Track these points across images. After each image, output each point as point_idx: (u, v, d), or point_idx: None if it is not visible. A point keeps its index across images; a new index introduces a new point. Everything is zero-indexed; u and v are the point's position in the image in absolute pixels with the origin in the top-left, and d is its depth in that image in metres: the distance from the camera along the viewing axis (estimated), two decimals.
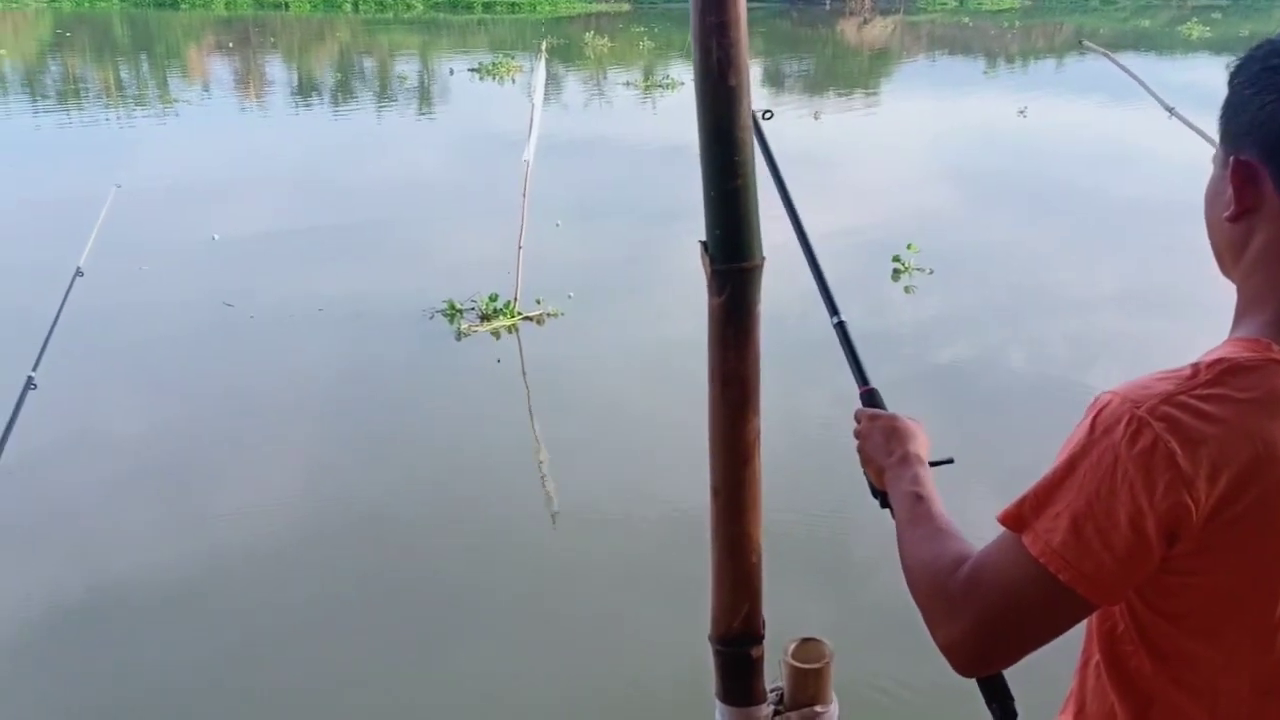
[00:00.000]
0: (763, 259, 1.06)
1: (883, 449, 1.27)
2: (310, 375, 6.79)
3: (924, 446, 1.28)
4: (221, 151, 14.54)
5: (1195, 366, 1.00)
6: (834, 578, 4.57)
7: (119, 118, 17.34)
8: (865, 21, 41.06)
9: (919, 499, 1.16)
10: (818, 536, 4.79)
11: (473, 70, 22.87)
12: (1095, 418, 1.00)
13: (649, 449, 5.69)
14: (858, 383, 1.46)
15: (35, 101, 19.48)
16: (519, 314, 7.55)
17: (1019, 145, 15.15)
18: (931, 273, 8.65)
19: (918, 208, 11.05)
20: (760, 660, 1.20)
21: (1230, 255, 1.08)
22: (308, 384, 6.66)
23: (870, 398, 1.42)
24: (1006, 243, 10.07)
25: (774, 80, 24.26)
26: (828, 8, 46.94)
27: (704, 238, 1.07)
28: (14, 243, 9.35)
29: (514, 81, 21.40)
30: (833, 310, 1.58)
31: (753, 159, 1.05)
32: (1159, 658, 1.05)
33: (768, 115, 1.51)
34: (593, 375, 6.80)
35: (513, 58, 23.60)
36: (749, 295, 1.07)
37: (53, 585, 4.46)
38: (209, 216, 10.22)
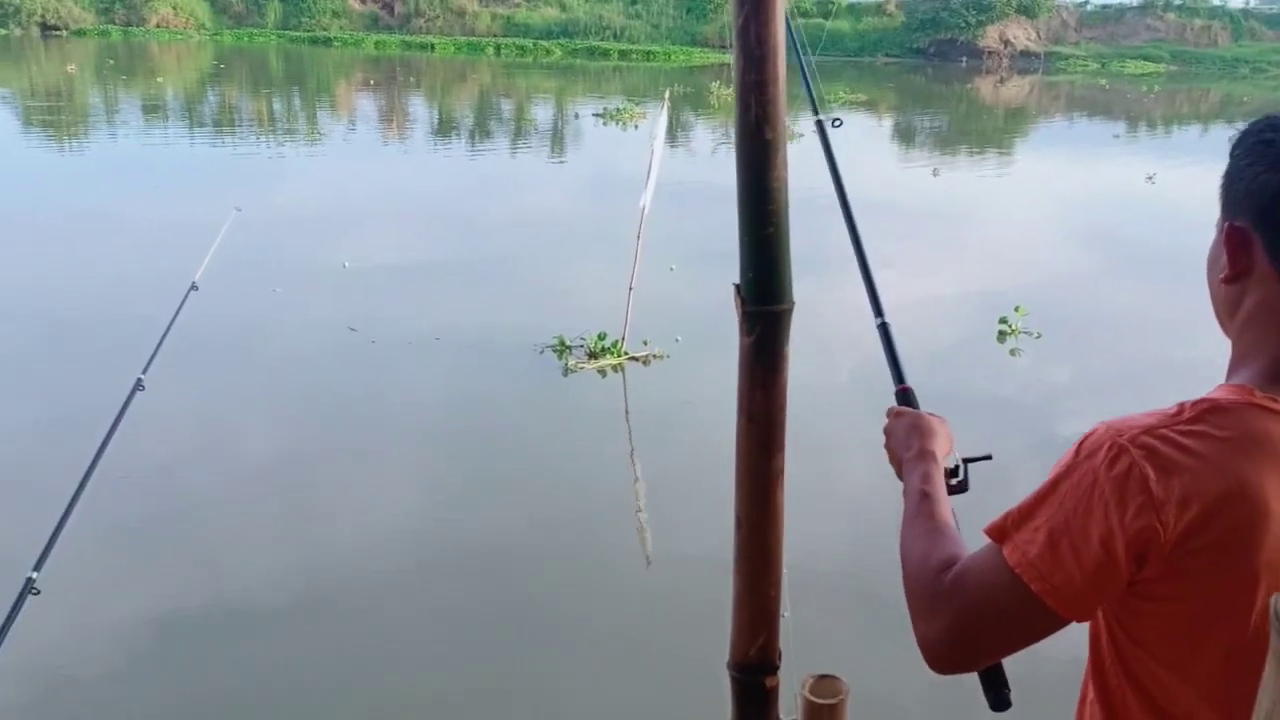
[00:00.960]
0: (792, 303, 1.12)
1: (903, 443, 1.33)
2: (424, 401, 7.02)
3: (944, 443, 1.35)
4: (362, 183, 15.20)
5: (1181, 405, 1.06)
6: (859, 616, 4.56)
7: (269, 146, 18.27)
8: (1002, 80, 40.49)
9: (925, 496, 1.22)
10: (847, 574, 4.78)
11: (597, 115, 23.40)
12: (1081, 444, 1.08)
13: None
14: (894, 381, 1.53)
15: (191, 128, 20.69)
16: (625, 354, 7.67)
17: (1143, 211, 14.74)
18: (1039, 336, 8.48)
19: (1031, 269, 10.84)
20: (775, 690, 1.24)
21: (1226, 314, 1.14)
22: (421, 409, 6.88)
23: (904, 396, 1.50)
24: (1119, 310, 9.79)
25: (904, 135, 24.09)
26: (964, 65, 46.43)
27: (737, 280, 1.14)
28: (150, 260, 9.93)
29: (636, 127, 21.79)
30: (878, 312, 1.65)
31: (786, 208, 1.11)
32: (1140, 691, 1.09)
33: (837, 123, 1.60)
34: (694, 418, 6.85)
35: (636, 104, 24.04)
36: (778, 337, 1.12)
37: (177, 587, 4.70)
38: (344, 243, 10.69)
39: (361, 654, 4.29)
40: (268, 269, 9.45)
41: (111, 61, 32.83)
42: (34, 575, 1.71)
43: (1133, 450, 1.02)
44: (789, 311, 1.12)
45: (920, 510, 1.20)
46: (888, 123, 25.31)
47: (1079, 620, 1.08)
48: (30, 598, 1.69)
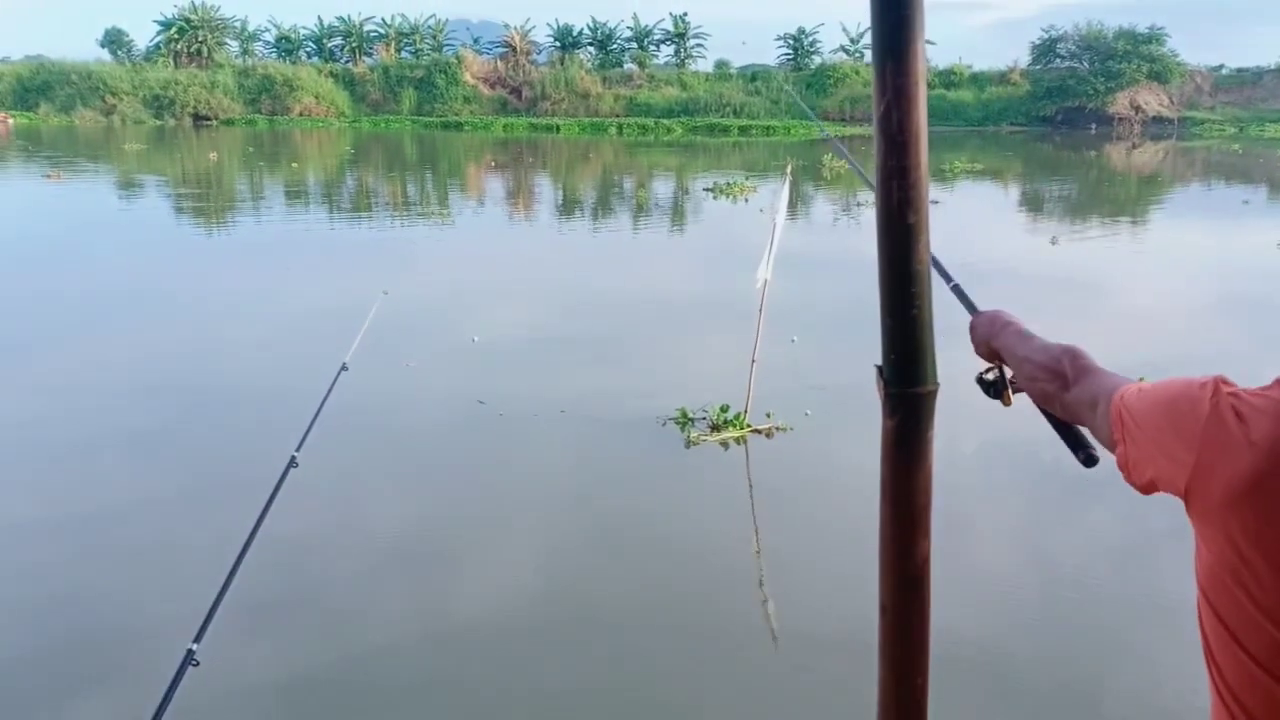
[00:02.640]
0: (936, 385, 1.10)
1: (989, 328, 1.58)
2: (549, 472, 7.10)
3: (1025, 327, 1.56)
4: (489, 260, 15.67)
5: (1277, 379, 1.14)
6: (1000, 707, 4.38)
7: (402, 227, 19.01)
8: (1134, 146, 39.43)
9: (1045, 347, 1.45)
10: (988, 662, 4.60)
11: (707, 190, 23.71)
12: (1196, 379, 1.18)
13: (871, 575, 5.54)
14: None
15: (331, 211, 21.69)
16: (748, 426, 7.64)
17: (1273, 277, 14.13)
18: None
19: (1162, 340, 10.43)
20: None
21: None
22: (546, 480, 6.96)
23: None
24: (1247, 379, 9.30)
25: (1032, 203, 23.62)
26: (1093, 132, 45.44)
27: (879, 362, 1.13)
28: (299, 340, 10.37)
29: (746, 200, 21.98)
30: (947, 278, 1.82)
31: (929, 291, 1.11)
32: (1226, 686, 1.12)
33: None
34: (819, 493, 6.75)
35: (746, 179, 24.25)
36: (922, 420, 1.11)
37: (317, 657, 4.82)
38: (472, 319, 11.00)
39: None
40: (402, 345, 9.77)
41: (251, 149, 34.70)
42: (194, 647, 1.78)
43: (1224, 391, 1.14)
44: (933, 394, 1.11)
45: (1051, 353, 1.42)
46: (1014, 191, 24.87)
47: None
48: (190, 669, 1.76)
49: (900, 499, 1.14)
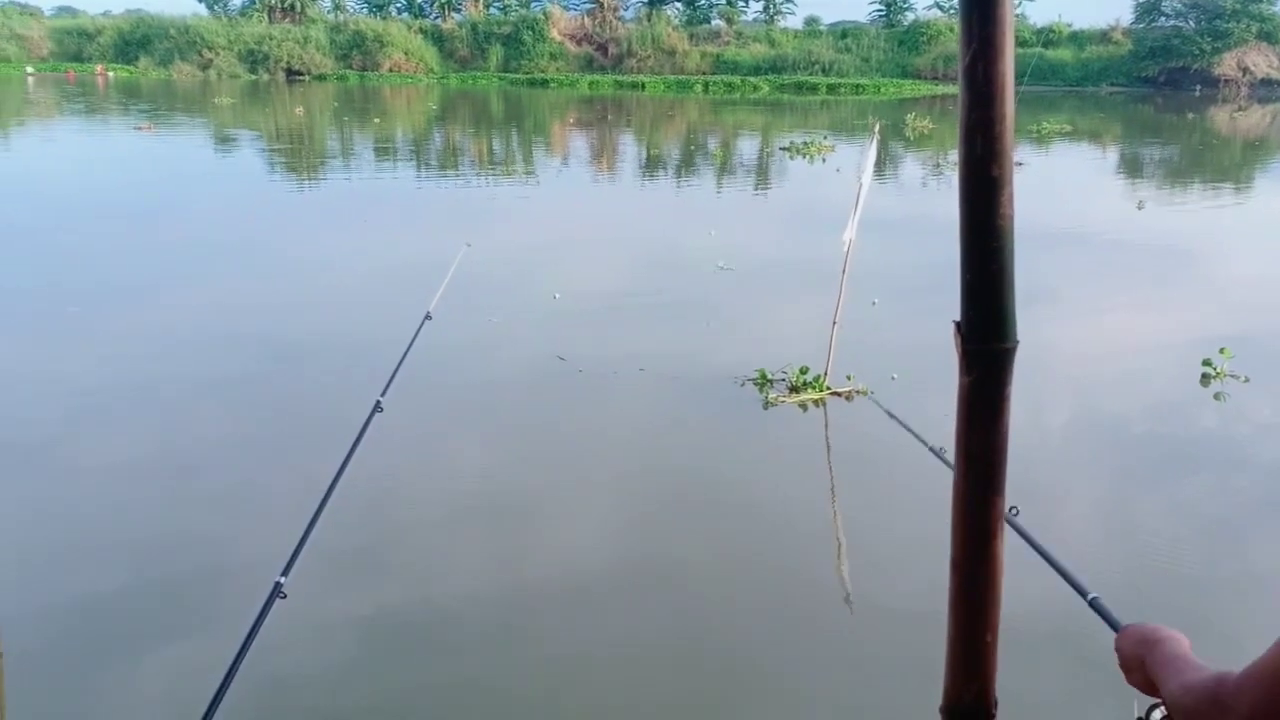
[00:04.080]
0: (1016, 342, 1.09)
1: (1136, 648, 1.30)
2: (626, 429, 7.15)
3: (1183, 645, 1.25)
4: (573, 217, 15.74)
5: None
6: (1071, 675, 4.30)
7: (489, 183, 19.16)
8: (1240, 109, 37.83)
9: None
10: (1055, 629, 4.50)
11: (784, 149, 23.40)
12: None
13: (940, 546, 5.48)
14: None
15: (419, 166, 21.94)
16: (828, 388, 7.59)
17: None
18: (1247, 380, 7.85)
19: (1244, 309, 10.04)
20: None
21: None
22: (623, 437, 7.01)
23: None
24: None
25: (1127, 166, 22.86)
26: (1198, 94, 43.71)
27: (958, 318, 1.12)
28: (386, 291, 10.55)
29: (823, 160, 21.64)
30: (1083, 592, 1.88)
31: (1011, 246, 1.09)
32: None
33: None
34: (897, 458, 6.67)
35: (825, 138, 23.87)
36: (1000, 377, 1.10)
37: (396, 597, 4.96)
38: (554, 276, 11.08)
39: (554, 673, 4.40)
40: (486, 299, 9.89)
41: (337, 104, 35.14)
42: (281, 580, 1.85)
43: None
44: (1012, 351, 1.09)
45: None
46: (1112, 155, 24.08)
47: None
48: (278, 600, 1.83)
49: (975, 455, 1.13)
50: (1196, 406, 7.60)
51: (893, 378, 7.83)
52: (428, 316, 3.13)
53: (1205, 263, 12.62)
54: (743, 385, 7.81)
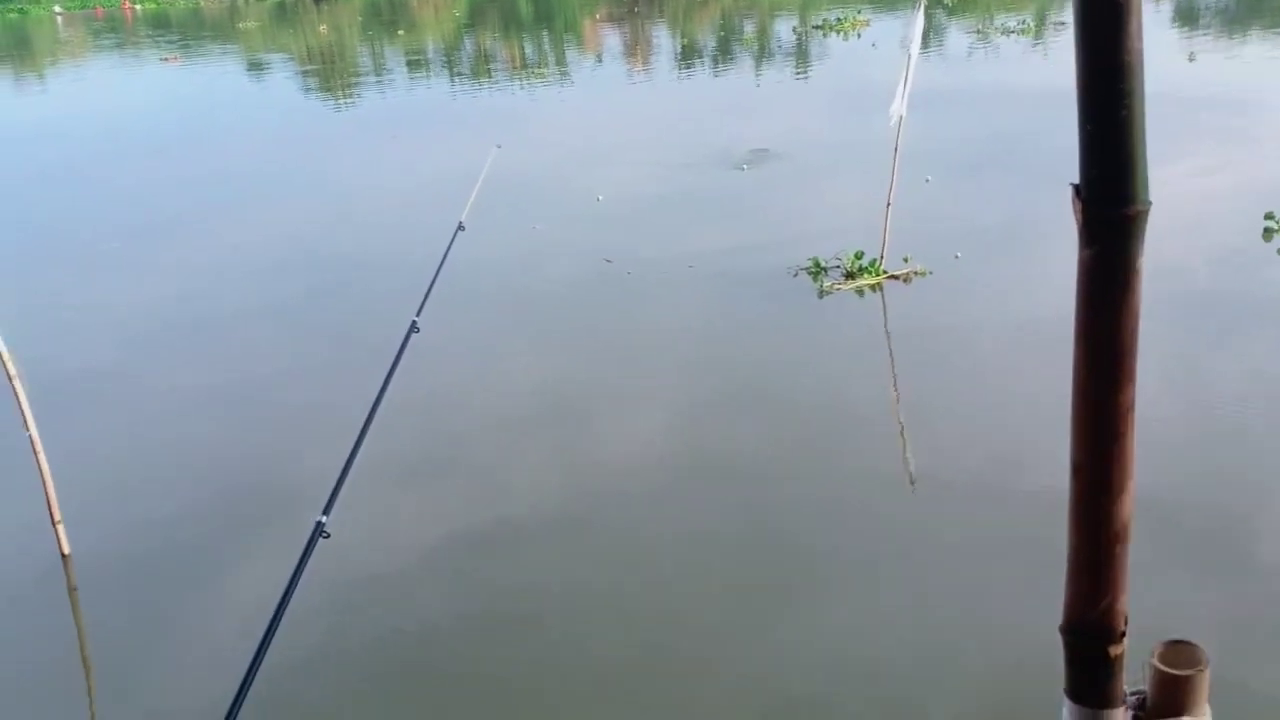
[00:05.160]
0: (1148, 204, 0.92)
1: None
2: (679, 328, 7.01)
3: None
4: (610, 116, 15.36)
5: None
6: (1218, 574, 4.09)
7: (520, 88, 18.75)
8: None
9: None
10: (1200, 524, 4.33)
11: (816, 27, 22.57)
12: None
13: (1018, 420, 5.35)
14: None
15: (451, 75, 21.54)
16: (884, 272, 7.35)
17: None
18: None
19: None
20: (1119, 660, 1.06)
21: None
22: (677, 336, 6.88)
23: None
24: None
25: (1185, 17, 21.80)
26: None
27: (1076, 180, 0.95)
28: (422, 205, 10.40)
29: (859, 36, 20.84)
30: None
31: (1141, 87, 0.91)
32: None
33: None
34: (960, 339, 6.48)
35: (859, 12, 22.94)
36: (1129, 247, 0.93)
37: (458, 507, 4.99)
38: (595, 178, 10.82)
39: (620, 570, 4.41)
40: (527, 206, 9.70)
41: (360, 19, 34.60)
42: (323, 519, 1.75)
43: None
44: (1144, 215, 0.92)
45: None
46: (1166, 4, 22.92)
47: None
48: (321, 540, 1.74)
49: (1100, 341, 0.96)
50: (1260, 262, 7.26)
51: (956, 256, 7.57)
52: (460, 227, 2.99)
53: (1262, 113, 11.97)
54: (796, 275, 7.60)
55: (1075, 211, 0.94)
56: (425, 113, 16.63)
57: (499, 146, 3.69)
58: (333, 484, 1.85)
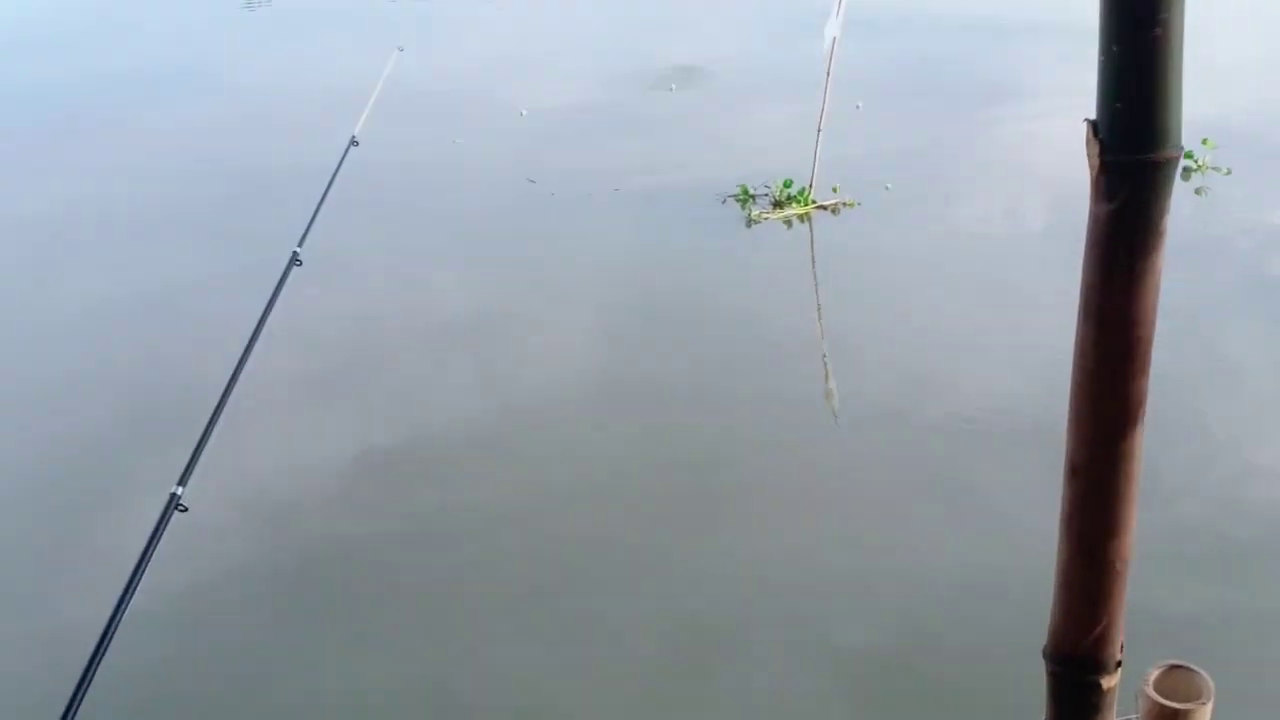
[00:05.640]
0: (1179, 150, 0.73)
1: None
2: (603, 254, 6.81)
3: None
4: (532, 27, 14.74)
5: None
6: (1217, 586, 3.74)
7: None
8: None
9: None
10: (1195, 524, 4.05)
11: None
12: None
13: (940, 352, 5.33)
14: None
15: None
16: (813, 202, 7.18)
17: None
18: (1229, 173, 7.42)
19: (1225, 93, 9.46)
20: (1112, 692, 0.91)
21: None
22: (602, 261, 6.70)
23: None
24: None
25: None
26: None
27: (1093, 115, 0.76)
28: (315, 114, 9.88)
29: None
30: None
31: (1181, 7, 0.71)
32: None
33: None
34: (886, 272, 6.38)
35: None
36: (1155, 202, 0.74)
37: (378, 429, 4.92)
38: (518, 91, 10.36)
39: (538, 495, 4.37)
40: (446, 119, 9.29)
41: None
42: (179, 490, 1.52)
43: None
44: (1174, 163, 0.74)
45: None
46: None
47: None
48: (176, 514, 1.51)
49: (1113, 318, 0.79)
50: (1176, 200, 7.23)
51: (886, 187, 7.41)
52: (353, 142, 2.71)
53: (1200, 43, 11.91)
54: (724, 202, 7.40)
55: (1090, 156, 0.76)
56: (330, 14, 15.75)
57: (401, 49, 3.39)
58: (192, 448, 1.62)
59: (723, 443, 4.69)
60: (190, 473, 1.61)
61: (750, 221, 7.11)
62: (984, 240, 6.68)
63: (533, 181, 7.94)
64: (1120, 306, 0.78)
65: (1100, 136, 0.74)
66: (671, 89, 10.42)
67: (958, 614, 3.59)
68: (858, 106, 8.96)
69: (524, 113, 9.60)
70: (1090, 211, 0.75)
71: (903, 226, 7.02)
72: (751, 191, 7.39)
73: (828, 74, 7.04)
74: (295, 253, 2.17)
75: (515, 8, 15.94)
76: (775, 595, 3.77)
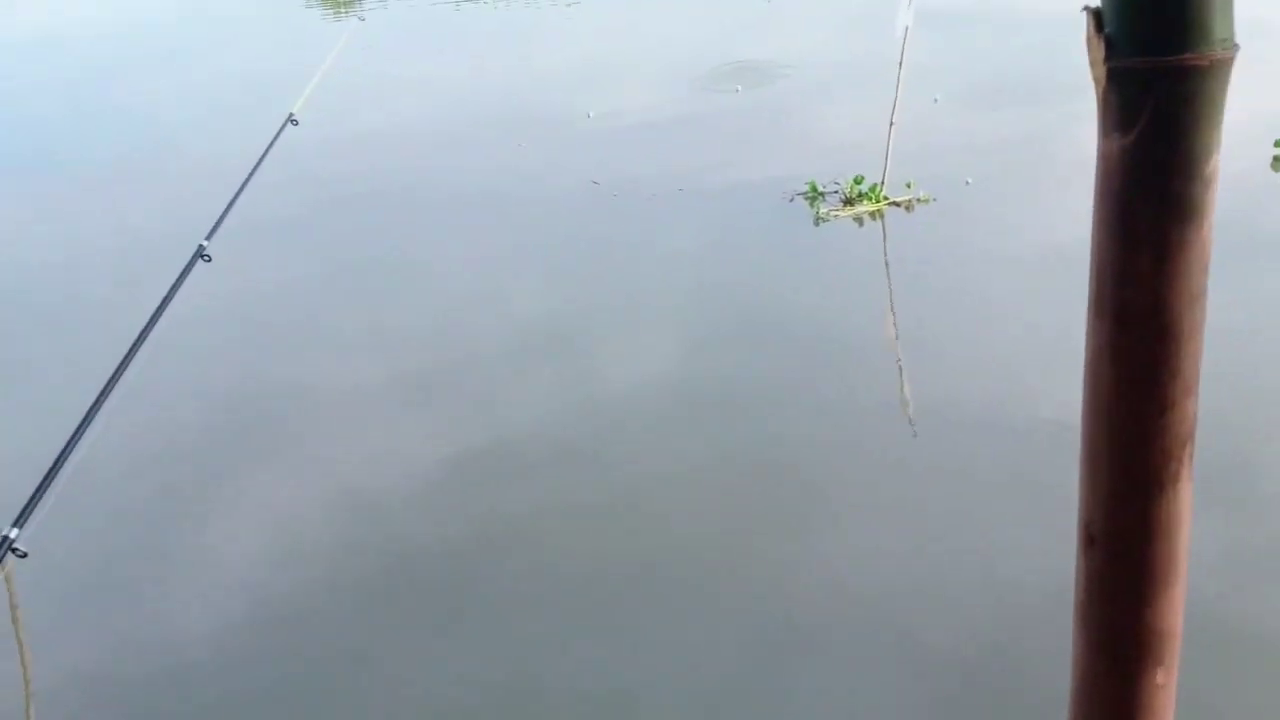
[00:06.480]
0: (1231, 46, 0.46)
1: None
2: (670, 254, 6.62)
3: None
4: (591, 25, 14.55)
5: None
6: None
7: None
8: None
9: None
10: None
11: None
12: None
13: (1024, 355, 5.02)
14: None
15: None
16: (885, 199, 6.84)
17: None
18: None
19: None
20: None
21: None
22: (667, 262, 6.53)
23: None
24: None
25: None
26: None
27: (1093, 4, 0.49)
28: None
29: None
30: None
31: None
32: None
33: None
34: (964, 271, 6.05)
35: None
36: (1194, 131, 0.47)
37: (458, 432, 4.96)
38: (587, 94, 10.20)
39: (616, 496, 4.39)
40: (510, 122, 9.21)
41: None
42: (13, 534, 1.32)
43: None
44: (1224, 68, 0.47)
45: None
46: None
47: None
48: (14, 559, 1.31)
49: (1137, 314, 0.51)
50: (1267, 193, 6.70)
51: (966, 182, 7.03)
52: (291, 120, 2.50)
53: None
54: (791, 200, 7.12)
55: (1092, 61, 0.49)
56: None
57: (362, 19, 3.20)
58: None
59: (796, 445, 4.63)
60: None
61: (819, 219, 6.82)
62: (1071, 239, 6.26)
63: (597, 183, 7.77)
64: (1149, 294, 0.50)
65: (1106, 31, 0.48)
66: (738, 90, 10.12)
67: (1041, 620, 3.39)
68: (935, 100, 8.59)
69: (590, 115, 9.43)
70: (1098, 150, 0.48)
71: (983, 223, 6.67)
72: (820, 189, 7.09)
73: (900, 65, 6.71)
74: (202, 245, 1.98)
75: (578, 14, 15.78)
76: (854, 598, 3.73)
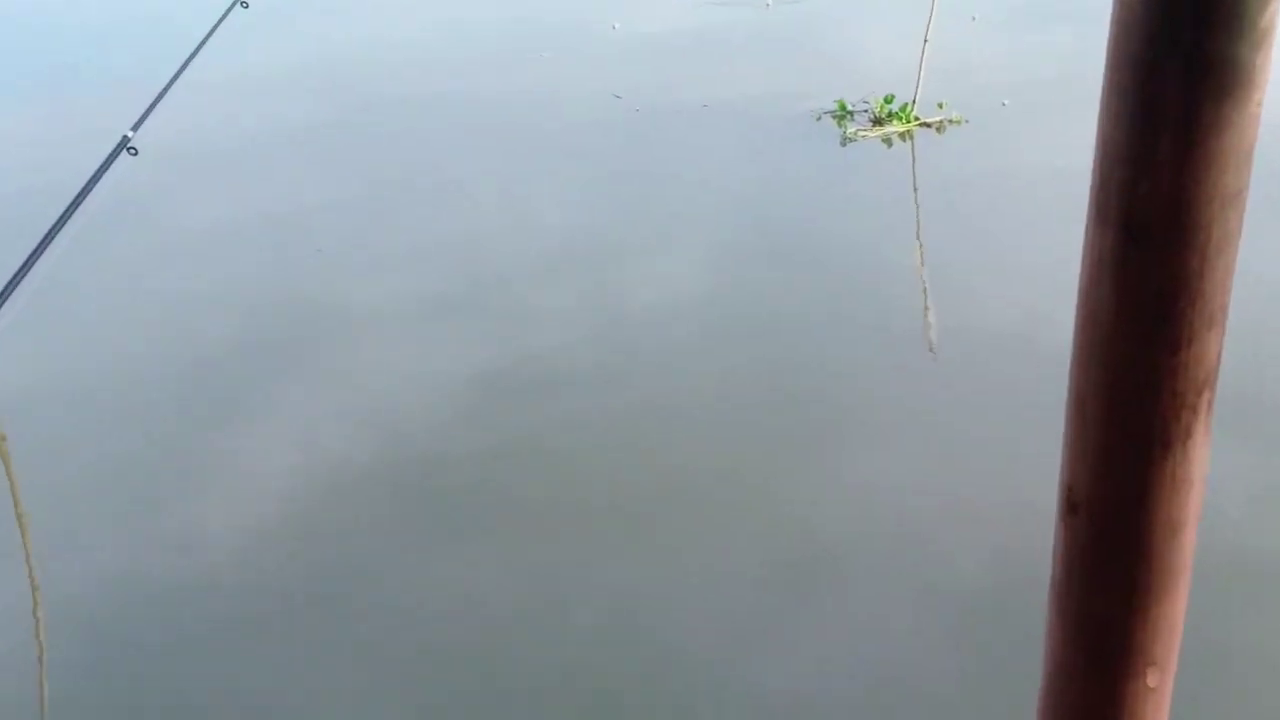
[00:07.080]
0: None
1: None
2: (693, 172, 6.45)
3: None
4: None
5: None
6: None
7: None
8: None
9: None
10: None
11: None
12: None
13: (1051, 281, 4.84)
14: None
15: None
16: (916, 119, 6.61)
17: None
18: None
19: None
20: None
21: None
22: (691, 181, 6.36)
23: None
24: None
25: None
26: None
27: None
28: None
29: None
30: None
31: None
32: None
33: None
34: (995, 195, 5.87)
35: None
36: (1239, 72, 0.34)
37: (491, 349, 4.93)
38: (614, 4, 9.92)
39: (642, 416, 4.38)
40: (529, 35, 8.95)
41: None
42: None
43: None
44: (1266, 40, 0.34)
45: None
46: None
47: None
48: None
49: (1154, 219, 0.40)
50: None
51: (1003, 104, 6.77)
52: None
53: None
54: (819, 119, 6.90)
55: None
56: None
57: None
58: None
59: (820, 370, 4.61)
60: None
61: (845, 140, 6.61)
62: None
63: (619, 97, 7.57)
64: (1169, 192, 0.38)
65: None
66: (768, 4, 9.78)
67: None
68: (973, 18, 8.27)
69: (616, 27, 9.16)
70: (1102, 101, 0.35)
71: (1016, 145, 6.46)
72: (850, 108, 6.85)
73: None
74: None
75: None
76: (879, 522, 3.73)
